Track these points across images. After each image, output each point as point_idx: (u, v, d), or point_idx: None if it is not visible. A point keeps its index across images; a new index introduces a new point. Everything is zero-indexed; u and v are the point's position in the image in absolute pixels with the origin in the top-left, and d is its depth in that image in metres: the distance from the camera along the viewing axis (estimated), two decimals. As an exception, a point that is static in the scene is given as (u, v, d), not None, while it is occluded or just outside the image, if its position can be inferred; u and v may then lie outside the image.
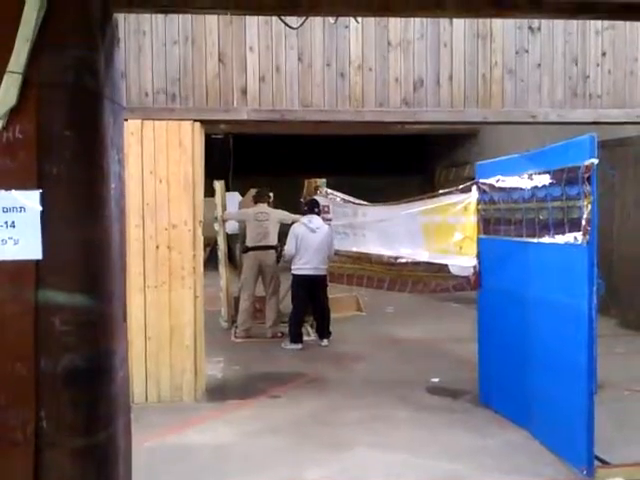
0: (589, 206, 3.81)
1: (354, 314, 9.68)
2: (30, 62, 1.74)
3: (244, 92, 5.44)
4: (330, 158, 16.76)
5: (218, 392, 5.88)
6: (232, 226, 9.27)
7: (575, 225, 3.96)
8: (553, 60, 5.46)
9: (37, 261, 1.76)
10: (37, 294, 1.75)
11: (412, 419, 5.22)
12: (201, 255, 5.64)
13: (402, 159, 17.89)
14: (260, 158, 16.78)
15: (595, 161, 3.81)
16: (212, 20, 5.39)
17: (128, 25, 5.35)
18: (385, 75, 5.47)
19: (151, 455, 4.46)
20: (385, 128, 12.98)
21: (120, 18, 5.31)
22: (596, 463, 4.04)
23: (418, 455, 4.47)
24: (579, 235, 3.90)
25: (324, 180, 8.49)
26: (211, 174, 9.89)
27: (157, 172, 5.43)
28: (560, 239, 4.15)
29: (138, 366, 5.48)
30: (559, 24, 5.42)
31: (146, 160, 5.41)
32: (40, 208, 1.73)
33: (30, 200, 1.71)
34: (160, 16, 5.35)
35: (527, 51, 5.46)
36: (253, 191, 8.75)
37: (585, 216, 3.84)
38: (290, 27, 4.48)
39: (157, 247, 5.45)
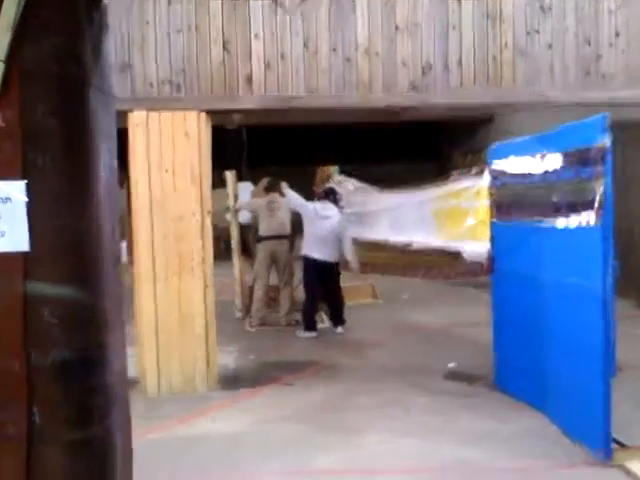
0: (602, 187, 3.73)
1: (370, 301, 9.63)
2: (12, 50, 1.71)
3: (249, 80, 5.39)
4: (344, 147, 16.65)
5: (231, 381, 5.88)
6: (245, 216, 9.24)
7: (588, 206, 3.87)
8: (565, 40, 5.35)
9: (24, 253, 1.73)
10: (25, 286, 1.72)
11: (426, 405, 5.18)
12: (210, 245, 5.61)
13: (418, 146, 17.73)
14: (274, 149, 16.73)
15: (608, 141, 3.72)
16: (216, 7, 5.34)
17: (131, 15, 5.32)
18: (392, 59, 5.39)
19: (163, 445, 4.48)
20: (396, 115, 12.87)
21: (121, 7, 5.30)
22: (614, 446, 3.99)
23: (431, 441, 4.44)
24: (592, 216, 3.82)
25: (336, 167, 8.43)
26: (225, 165, 9.92)
27: (164, 163, 5.40)
28: (573, 221, 4.07)
29: (150, 358, 5.49)
30: (570, 2, 5.31)
31: (152, 151, 5.39)
32: (26, 199, 1.70)
33: (16, 191, 1.67)
34: (163, 5, 5.31)
35: (538, 31, 5.35)
36: (265, 181, 8.71)
37: (598, 197, 3.75)
38: (285, 10, 4.40)
39: (165, 238, 5.44)
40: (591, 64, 5.31)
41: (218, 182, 9.29)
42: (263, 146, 15.94)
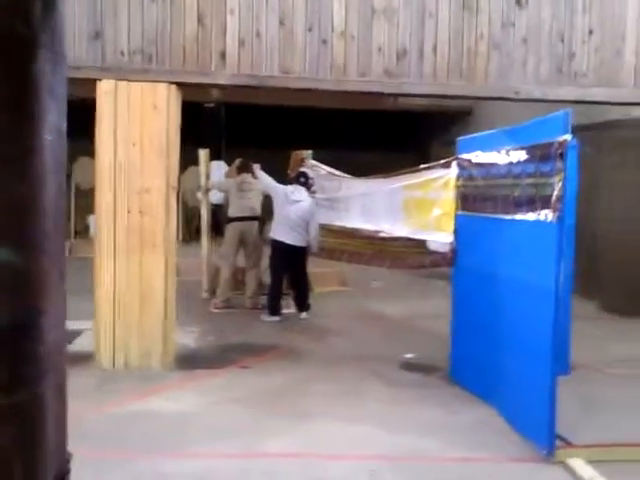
0: (560, 183, 3.72)
1: (337, 289, 9.62)
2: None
3: (223, 56, 5.31)
4: (326, 132, 16.59)
5: (189, 361, 5.82)
6: (217, 196, 9.17)
7: (546, 202, 3.87)
8: (539, 36, 5.33)
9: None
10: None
11: (382, 394, 5.18)
12: (174, 221, 5.54)
13: (398, 135, 17.73)
14: (254, 130, 16.59)
15: (569, 137, 3.71)
16: (192, -20, 5.24)
17: (105, -18, 5.21)
18: (368, 44, 5.33)
19: (111, 421, 4.43)
20: (375, 102, 12.85)
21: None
22: (559, 443, 4.01)
23: (384, 429, 4.43)
24: (549, 212, 3.82)
25: (310, 152, 8.37)
26: (202, 143, 9.81)
27: (130, 134, 5.31)
28: (531, 216, 4.07)
29: (106, 332, 5.42)
30: (547, -2, 5.29)
31: (119, 122, 5.29)
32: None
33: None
34: (138, -26, 5.20)
35: (514, 25, 5.32)
36: (238, 161, 8.63)
37: (556, 193, 3.75)
38: None
39: (128, 212, 5.36)
40: (564, 61, 5.30)
41: (193, 160, 9.23)
42: (243, 126, 15.81)
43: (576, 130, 3.92)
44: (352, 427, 4.44)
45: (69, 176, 13.30)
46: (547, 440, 3.89)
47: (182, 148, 9.47)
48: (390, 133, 17.69)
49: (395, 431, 4.39)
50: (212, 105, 15.00)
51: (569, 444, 4.05)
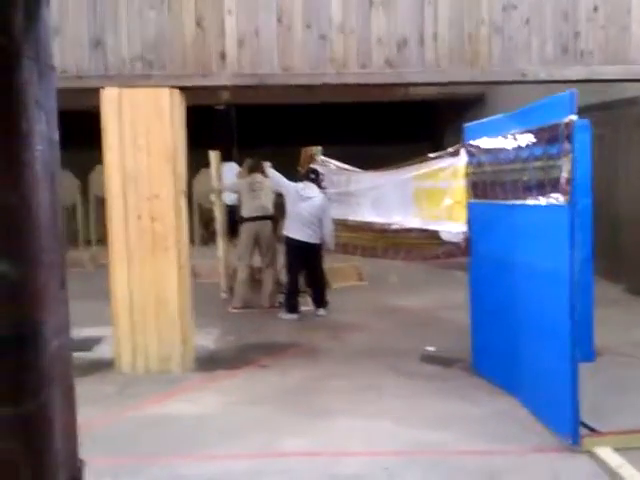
0: (569, 165, 3.65)
1: (355, 284, 9.58)
2: None
3: (223, 57, 5.30)
4: (339, 127, 16.55)
5: (208, 362, 5.84)
6: (231, 197, 9.17)
7: (556, 185, 3.80)
8: (542, 16, 5.23)
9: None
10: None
11: (401, 388, 5.14)
12: (185, 225, 5.54)
13: (411, 126, 17.61)
14: (266, 129, 16.59)
15: (575, 117, 3.63)
16: (188, -17, 5.24)
17: (103, -9, 5.22)
18: (367, 35, 5.28)
19: (131, 425, 4.46)
20: (386, 94, 12.78)
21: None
22: (584, 431, 3.92)
23: (403, 424, 4.39)
24: (559, 195, 3.75)
25: (319, 148, 8.33)
26: (214, 145, 9.82)
27: (136, 141, 5.33)
28: (542, 200, 4.00)
29: (125, 337, 5.45)
30: (548, -23, 5.19)
31: (125, 129, 5.31)
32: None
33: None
34: (135, -20, 5.21)
35: (515, 7, 5.23)
36: (249, 161, 8.62)
37: (565, 175, 3.68)
38: None
39: (139, 218, 5.37)
40: (569, 40, 5.20)
41: (206, 162, 9.25)
42: (255, 126, 15.80)
43: (590, 110, 3.85)
44: (370, 423, 4.41)
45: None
46: (571, 429, 3.81)
47: (194, 151, 9.53)
48: (404, 124, 17.57)
49: (413, 426, 4.35)
50: (223, 107, 15.01)
51: (595, 432, 3.95)
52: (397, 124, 17.46)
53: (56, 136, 2.52)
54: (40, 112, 2.41)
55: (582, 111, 3.83)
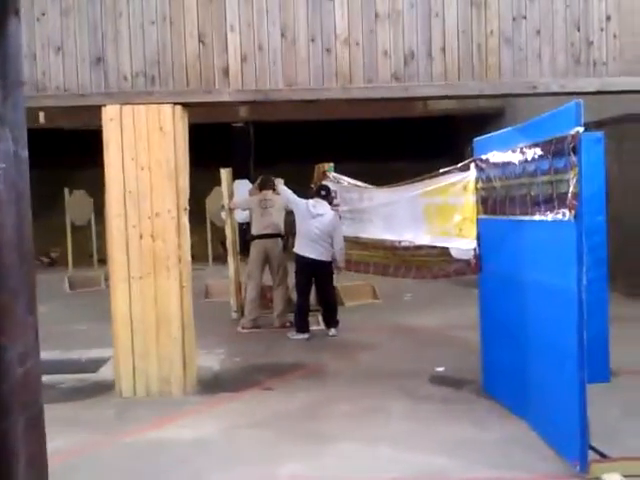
0: (575, 178, 3.47)
1: (369, 302, 9.40)
2: None
3: (226, 73, 5.21)
4: (356, 143, 16.50)
5: (211, 385, 5.70)
6: (243, 215, 9.08)
7: (563, 200, 3.62)
8: (553, 26, 5.07)
9: None
10: None
11: (408, 411, 4.95)
12: (187, 244, 5.42)
13: (431, 141, 17.46)
14: (284, 146, 16.55)
15: (581, 129, 3.46)
16: (190, -2, 5.17)
17: (104, 7, 5.17)
18: (373, 49, 5.16)
19: (127, 450, 4.33)
20: (405, 109, 12.65)
21: (95, 0, 5.16)
22: (594, 457, 3.72)
23: (406, 449, 4.21)
24: (566, 211, 3.57)
25: (332, 164, 8.22)
26: (231, 163, 9.77)
27: (138, 158, 5.24)
28: (549, 216, 3.82)
29: (125, 359, 5.34)
30: (559, -14, 5.04)
31: (126, 146, 5.23)
32: None
33: None
34: (136, -4, 5.15)
35: (525, 17, 5.07)
36: (261, 178, 8.51)
37: (571, 189, 3.49)
38: None
39: (141, 236, 5.27)
40: (581, 51, 5.02)
41: (215, 180, 9.17)
42: (272, 143, 15.76)
43: (606, 123, 3.68)
44: (372, 448, 4.23)
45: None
46: (579, 454, 3.61)
47: (209, 168, 9.45)
48: (423, 140, 17.44)
49: (418, 451, 4.16)
50: (240, 124, 15.02)
51: (604, 457, 3.75)
52: (416, 139, 17.33)
53: (25, 153, 2.40)
54: (4, 128, 2.30)
55: (600, 124, 3.67)
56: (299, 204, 7.47)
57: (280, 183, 7.82)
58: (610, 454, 3.81)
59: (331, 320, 7.53)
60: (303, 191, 7.91)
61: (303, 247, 7.32)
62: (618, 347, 5.25)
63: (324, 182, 7.83)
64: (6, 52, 2.25)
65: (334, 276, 7.72)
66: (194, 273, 5.68)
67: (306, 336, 7.35)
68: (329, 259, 7.37)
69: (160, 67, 5.22)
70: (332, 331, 7.48)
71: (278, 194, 7.87)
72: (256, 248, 7.93)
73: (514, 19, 5.09)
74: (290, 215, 7.92)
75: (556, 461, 3.87)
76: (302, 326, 7.38)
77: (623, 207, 8.37)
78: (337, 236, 7.29)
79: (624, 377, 5.32)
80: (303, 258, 7.31)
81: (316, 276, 7.40)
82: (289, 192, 7.63)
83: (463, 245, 5.38)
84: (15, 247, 2.27)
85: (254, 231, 8.00)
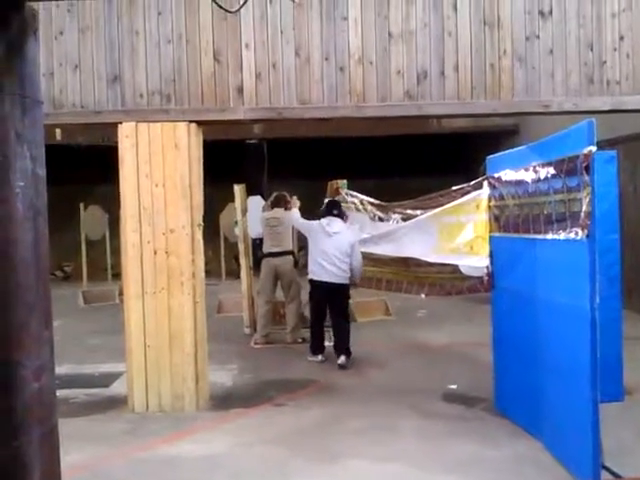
0: (588, 198, 3.47)
1: (382, 318, 9.39)
2: None
3: (240, 91, 5.27)
4: (371, 160, 16.56)
5: (223, 400, 5.71)
6: (256, 231, 9.10)
7: (576, 219, 3.62)
8: (566, 46, 5.09)
9: None
10: None
11: (419, 429, 4.93)
12: (201, 260, 5.46)
13: (443, 159, 17.48)
14: (298, 163, 16.63)
15: (594, 148, 3.47)
16: (206, 17, 5.25)
17: (121, 25, 5.26)
18: (387, 68, 5.20)
19: (140, 466, 4.34)
20: (419, 126, 12.70)
21: (113, 19, 5.24)
22: (607, 476, 3.69)
23: (416, 467, 4.19)
24: (579, 230, 3.57)
25: (345, 181, 8.21)
26: (245, 179, 9.84)
27: (153, 175, 5.30)
28: (562, 235, 3.82)
29: (138, 374, 5.36)
30: (572, 6, 5.06)
31: (142, 163, 5.29)
32: None
33: None
34: (153, 15, 5.25)
35: (538, 37, 5.10)
36: (273, 196, 8.55)
37: (584, 209, 3.50)
38: (227, 11, 4.29)
39: (155, 252, 5.32)
40: (594, 70, 5.04)
41: (230, 197, 9.22)
42: (286, 160, 15.83)
43: (620, 141, 3.68)
44: (382, 466, 4.21)
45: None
46: (592, 474, 3.58)
47: (223, 185, 9.48)
48: (437, 157, 17.47)
49: (428, 470, 4.14)
50: (254, 141, 15.11)
51: (618, 477, 3.72)
52: (431, 156, 17.36)
53: (42, 172, 2.45)
54: (23, 147, 2.35)
55: (615, 142, 3.67)
56: (311, 227, 7.20)
57: (296, 205, 7.59)
58: (623, 474, 3.79)
59: (341, 348, 6.95)
60: (318, 207, 7.79)
61: (317, 271, 6.95)
62: (632, 366, 5.21)
63: (334, 198, 7.68)
64: (24, 72, 2.31)
65: (350, 301, 7.46)
66: (207, 288, 5.70)
67: (319, 358, 7.12)
68: (346, 282, 7.00)
69: (176, 85, 5.29)
70: (342, 359, 6.84)
71: (289, 210, 7.82)
72: (266, 266, 7.94)
73: (527, 38, 5.11)
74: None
75: (569, 480, 3.85)
76: (316, 348, 7.18)
77: (638, 225, 8.33)
78: (355, 254, 6.94)
79: (638, 396, 5.28)
80: (317, 282, 6.95)
81: (331, 301, 7.05)
82: (301, 220, 7.39)
83: (473, 262, 5.38)
84: (32, 264, 2.31)
85: (264, 249, 8.04)
